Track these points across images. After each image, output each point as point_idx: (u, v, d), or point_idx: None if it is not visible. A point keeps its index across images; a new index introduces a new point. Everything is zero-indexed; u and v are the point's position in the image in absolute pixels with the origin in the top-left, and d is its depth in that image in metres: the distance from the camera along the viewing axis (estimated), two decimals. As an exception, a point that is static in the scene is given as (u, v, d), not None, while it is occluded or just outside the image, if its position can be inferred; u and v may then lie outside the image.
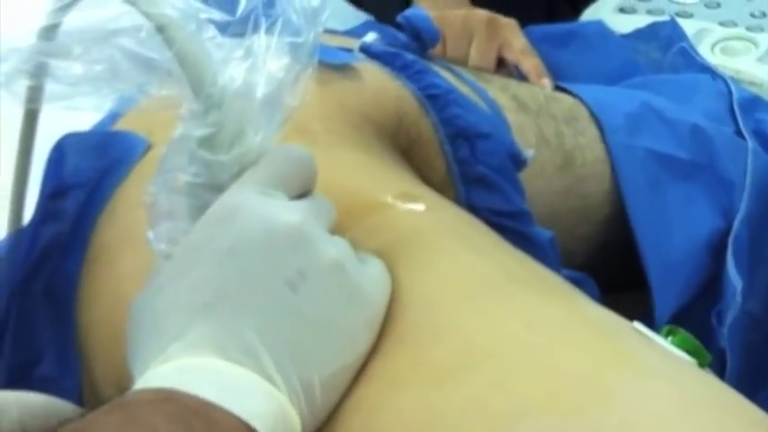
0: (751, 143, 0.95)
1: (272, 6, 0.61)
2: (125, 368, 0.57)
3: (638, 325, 0.60)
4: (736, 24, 1.29)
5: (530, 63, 1.07)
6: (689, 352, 0.59)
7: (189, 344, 0.54)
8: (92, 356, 0.71)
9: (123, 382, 0.55)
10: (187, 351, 0.54)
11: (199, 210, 0.58)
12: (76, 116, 0.64)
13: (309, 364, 0.55)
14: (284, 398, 0.53)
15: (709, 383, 0.57)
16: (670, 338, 0.60)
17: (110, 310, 0.69)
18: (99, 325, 0.70)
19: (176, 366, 0.53)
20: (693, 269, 0.88)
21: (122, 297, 0.67)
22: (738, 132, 0.98)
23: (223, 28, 0.60)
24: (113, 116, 0.79)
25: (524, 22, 1.16)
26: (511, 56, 1.08)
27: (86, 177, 0.74)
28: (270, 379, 0.53)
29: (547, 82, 1.05)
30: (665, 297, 0.85)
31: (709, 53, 1.23)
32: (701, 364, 0.60)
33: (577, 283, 0.71)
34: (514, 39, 1.09)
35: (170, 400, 0.51)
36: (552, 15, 1.37)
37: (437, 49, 1.01)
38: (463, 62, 1.06)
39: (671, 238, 0.88)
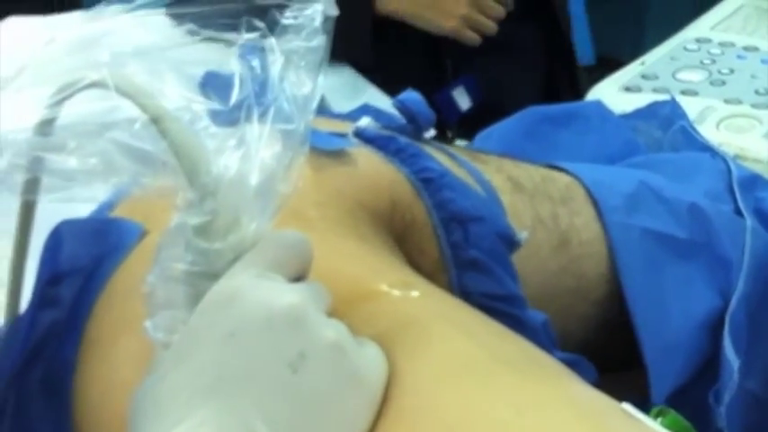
0: (750, 221, 0.96)
1: (264, 95, 0.62)
2: None
3: (627, 406, 0.60)
4: (741, 102, 1.30)
5: None
6: (679, 434, 0.60)
7: (190, 428, 0.54)
8: None
9: None
10: None
11: (196, 298, 0.59)
12: (73, 206, 0.65)
13: None
14: None
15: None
16: (660, 420, 0.60)
17: (104, 395, 0.70)
18: (93, 411, 0.70)
19: None
20: (691, 350, 0.87)
21: (118, 382, 0.68)
22: (738, 211, 0.99)
23: (216, 115, 0.61)
24: (110, 204, 0.80)
25: (524, 103, 1.17)
26: None
27: (83, 264, 0.74)
28: None
29: None
30: (662, 378, 0.85)
31: (714, 130, 1.24)
32: (691, 447, 0.60)
33: (573, 365, 0.71)
34: None
35: None
36: (553, 97, 1.39)
37: None
38: None
39: (668, 318, 0.88)
